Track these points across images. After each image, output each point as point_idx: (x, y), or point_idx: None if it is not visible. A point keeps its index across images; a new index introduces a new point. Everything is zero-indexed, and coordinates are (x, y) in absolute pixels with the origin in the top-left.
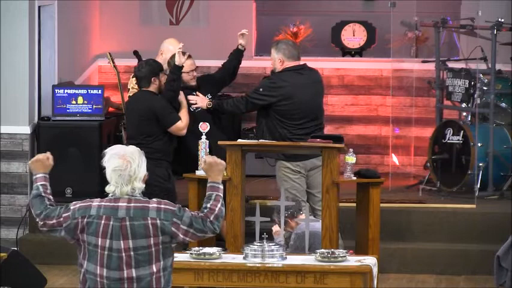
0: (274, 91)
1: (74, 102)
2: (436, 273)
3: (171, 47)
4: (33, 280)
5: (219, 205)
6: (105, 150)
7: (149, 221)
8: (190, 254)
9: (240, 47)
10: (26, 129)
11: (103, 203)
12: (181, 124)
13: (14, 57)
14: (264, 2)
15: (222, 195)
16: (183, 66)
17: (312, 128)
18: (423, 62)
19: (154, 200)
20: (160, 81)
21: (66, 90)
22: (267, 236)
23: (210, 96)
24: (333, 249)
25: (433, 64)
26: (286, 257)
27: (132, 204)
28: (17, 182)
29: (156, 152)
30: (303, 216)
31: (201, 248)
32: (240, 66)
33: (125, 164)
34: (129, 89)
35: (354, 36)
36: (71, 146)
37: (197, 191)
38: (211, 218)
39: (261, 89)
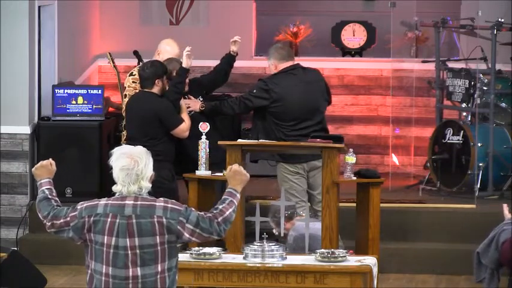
0: (266, 93)
1: (74, 102)
2: (436, 273)
3: (169, 47)
4: (33, 280)
5: (230, 210)
6: (113, 150)
7: (155, 219)
8: (190, 254)
9: (232, 52)
10: (26, 129)
11: (110, 202)
12: (185, 126)
13: (14, 57)
14: (264, 2)
15: (236, 203)
16: (189, 69)
17: (308, 129)
18: (423, 62)
19: (161, 199)
20: (164, 83)
21: (66, 90)
22: (267, 236)
23: (201, 99)
24: (333, 249)
25: (433, 64)
26: (286, 257)
27: (139, 202)
28: (17, 182)
29: (159, 154)
30: (293, 221)
31: (201, 248)
32: (240, 66)
33: (132, 163)
34: (125, 87)
35: (354, 36)
36: (71, 146)
37: (197, 191)
38: (219, 220)
39: (254, 91)
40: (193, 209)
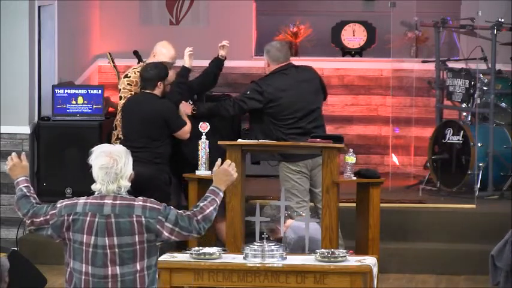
0: (260, 95)
1: (74, 102)
2: (436, 273)
3: (164, 50)
4: (33, 280)
5: (211, 208)
6: (92, 149)
7: (134, 219)
8: (190, 254)
9: (220, 56)
10: (26, 129)
11: (89, 201)
12: (188, 128)
13: (14, 57)
14: (264, 2)
15: (218, 202)
16: (191, 69)
17: (306, 128)
18: (423, 62)
19: (140, 198)
20: (165, 86)
21: (66, 90)
22: (267, 236)
23: (191, 102)
24: (333, 249)
25: (433, 64)
26: (286, 257)
27: (117, 202)
28: None
29: (159, 156)
30: (289, 222)
31: (201, 248)
32: (240, 66)
33: (111, 162)
34: (120, 89)
35: (354, 36)
36: (71, 146)
37: (197, 191)
38: (199, 217)
39: (248, 92)
40: (172, 207)
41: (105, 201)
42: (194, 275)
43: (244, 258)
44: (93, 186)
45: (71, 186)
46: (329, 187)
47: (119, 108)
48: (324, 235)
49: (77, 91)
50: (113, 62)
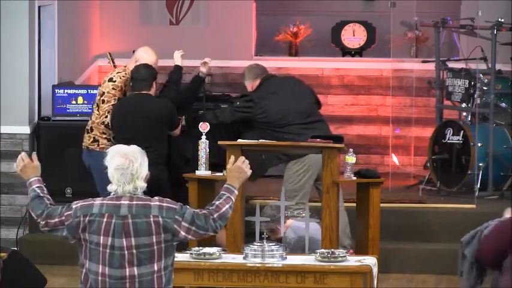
0: (251, 102)
1: (74, 102)
2: (436, 273)
3: (146, 55)
4: (33, 280)
5: (227, 206)
6: (107, 150)
7: (151, 219)
8: (190, 254)
9: (200, 74)
10: (26, 129)
11: (105, 201)
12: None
13: (14, 57)
14: (264, 2)
15: (234, 199)
16: (182, 67)
17: (305, 122)
18: (423, 62)
19: (156, 198)
20: (157, 85)
21: (66, 90)
22: (267, 236)
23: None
24: (333, 249)
25: (433, 64)
26: (286, 257)
27: (134, 202)
28: (17, 182)
29: (161, 156)
30: (289, 222)
31: (201, 248)
32: (240, 66)
33: (127, 163)
34: (104, 92)
35: (354, 36)
36: (71, 146)
37: (197, 191)
38: (215, 216)
39: (238, 103)
40: (188, 206)
41: (122, 202)
42: (194, 275)
43: (244, 258)
44: (109, 187)
45: (71, 186)
46: (329, 187)
47: (101, 112)
48: (324, 235)
49: (77, 91)
50: (113, 62)
